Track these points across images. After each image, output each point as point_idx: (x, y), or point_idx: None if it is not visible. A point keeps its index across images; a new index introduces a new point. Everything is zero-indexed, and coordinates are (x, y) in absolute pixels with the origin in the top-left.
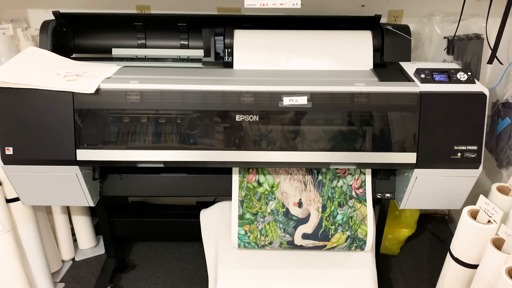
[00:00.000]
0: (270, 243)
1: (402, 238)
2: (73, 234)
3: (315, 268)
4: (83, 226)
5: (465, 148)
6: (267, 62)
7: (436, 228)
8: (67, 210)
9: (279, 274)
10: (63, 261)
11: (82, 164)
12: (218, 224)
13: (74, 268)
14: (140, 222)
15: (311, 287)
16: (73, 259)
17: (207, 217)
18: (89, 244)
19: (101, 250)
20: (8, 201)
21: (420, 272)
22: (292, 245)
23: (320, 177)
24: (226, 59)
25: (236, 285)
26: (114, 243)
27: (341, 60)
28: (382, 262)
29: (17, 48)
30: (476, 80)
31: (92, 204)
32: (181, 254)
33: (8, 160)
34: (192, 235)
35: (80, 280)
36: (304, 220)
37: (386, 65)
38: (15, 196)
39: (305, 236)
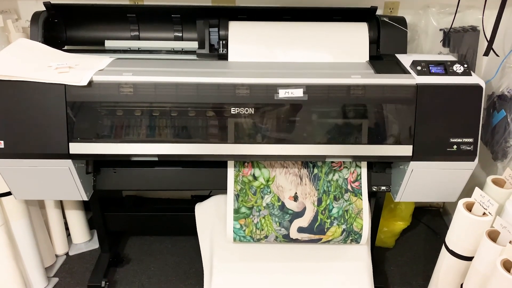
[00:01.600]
0: (266, 236)
1: (397, 231)
2: (67, 229)
3: (311, 261)
4: (77, 220)
5: (461, 140)
6: (262, 54)
7: (431, 220)
8: (61, 204)
9: (275, 267)
10: (56, 256)
11: (75, 157)
12: (213, 218)
13: (68, 262)
14: (135, 216)
15: (306, 280)
16: (67, 254)
17: (202, 211)
18: (83, 239)
19: (95, 245)
20: (0, 195)
21: (415, 264)
22: (287, 239)
23: (315, 171)
24: (221, 51)
25: (232, 279)
26: (108, 237)
27: (337, 52)
28: (377, 254)
29: (7, 40)
30: (472, 72)
31: (85, 198)
32: (176, 248)
33: None
34: (187, 229)
35: (74, 274)
36: (300, 214)
37: (382, 57)
38: (7, 190)
39: (300, 229)
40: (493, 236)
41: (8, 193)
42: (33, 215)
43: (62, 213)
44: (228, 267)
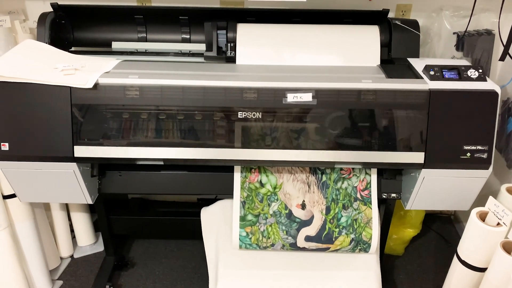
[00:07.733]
0: (272, 245)
1: (407, 238)
2: (72, 231)
3: (318, 269)
4: (82, 222)
5: (475, 148)
6: (271, 57)
7: (442, 228)
8: (66, 206)
9: (281, 275)
10: (61, 258)
11: (80, 161)
12: (219, 223)
13: (72, 265)
14: (140, 220)
15: None
16: (71, 256)
17: (208, 215)
18: (88, 241)
19: (100, 247)
20: (5, 197)
21: (425, 273)
22: (294, 247)
23: (324, 178)
24: (229, 53)
25: (237, 285)
26: (113, 240)
27: (347, 56)
28: (387, 262)
29: (14, 41)
30: (487, 78)
31: (90, 202)
32: (181, 252)
33: (4, 156)
34: (193, 233)
35: (79, 277)
36: (307, 222)
37: (393, 61)
38: (12, 192)
39: (308, 238)
40: (508, 247)
41: (13, 195)
42: (38, 217)
43: (68, 215)
44: (234, 273)
